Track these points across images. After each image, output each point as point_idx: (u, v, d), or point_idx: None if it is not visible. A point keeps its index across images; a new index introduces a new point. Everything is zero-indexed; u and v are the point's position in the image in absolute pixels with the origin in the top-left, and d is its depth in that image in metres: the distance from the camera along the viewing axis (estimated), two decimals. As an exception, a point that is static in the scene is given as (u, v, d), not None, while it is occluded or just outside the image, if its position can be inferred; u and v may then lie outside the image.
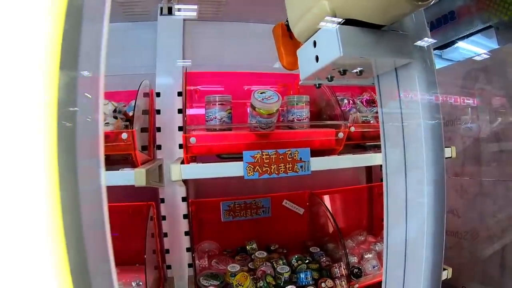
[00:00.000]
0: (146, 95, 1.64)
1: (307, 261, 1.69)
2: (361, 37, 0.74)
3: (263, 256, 1.69)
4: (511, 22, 1.86)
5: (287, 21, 1.05)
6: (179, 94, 1.75)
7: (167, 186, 1.71)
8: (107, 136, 1.31)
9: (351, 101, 1.81)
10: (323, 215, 1.88)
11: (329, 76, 0.87)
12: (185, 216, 1.77)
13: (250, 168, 1.27)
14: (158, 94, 1.74)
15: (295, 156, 1.32)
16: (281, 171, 1.30)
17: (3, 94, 0.34)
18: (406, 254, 0.92)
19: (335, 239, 1.76)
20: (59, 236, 0.37)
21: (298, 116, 1.57)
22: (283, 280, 1.54)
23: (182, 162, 1.32)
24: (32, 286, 0.35)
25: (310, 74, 0.85)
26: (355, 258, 1.77)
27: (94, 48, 0.46)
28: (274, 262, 1.64)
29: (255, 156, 1.28)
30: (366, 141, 1.73)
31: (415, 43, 0.84)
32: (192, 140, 1.31)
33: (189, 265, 1.76)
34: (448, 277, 1.00)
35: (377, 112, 1.72)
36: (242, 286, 1.46)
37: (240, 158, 1.29)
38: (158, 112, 1.73)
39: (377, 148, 1.70)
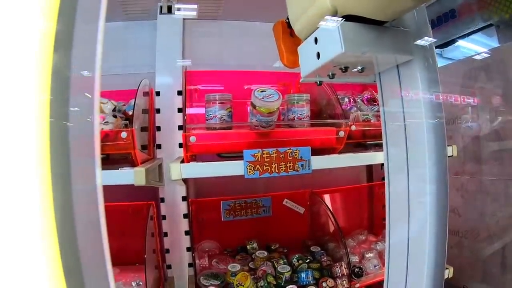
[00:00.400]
0: (145, 94, 1.63)
1: (308, 260, 1.68)
2: (363, 34, 0.73)
3: (263, 255, 1.68)
4: (512, 20, 1.85)
5: (287, 18, 1.04)
6: (179, 93, 1.74)
7: (167, 185, 1.70)
8: (106, 135, 1.30)
9: (351, 100, 1.81)
10: (324, 214, 1.87)
11: (330, 74, 0.86)
12: (185, 216, 1.76)
13: (250, 167, 1.27)
14: (158, 93, 1.74)
15: (295, 155, 1.31)
16: (282, 170, 1.30)
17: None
18: (408, 253, 0.92)
19: (336, 238, 1.75)
20: (52, 237, 0.36)
21: (299, 115, 1.57)
22: (284, 279, 1.53)
23: (182, 161, 1.31)
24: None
25: (311, 71, 0.84)
26: (356, 257, 1.76)
27: (88, 47, 0.45)
28: (274, 262, 1.64)
29: (255, 155, 1.27)
30: (367, 139, 1.72)
31: (415, 42, 0.83)
32: (192, 139, 1.30)
33: (189, 265, 1.75)
34: (449, 277, 0.99)
35: (377, 111, 1.72)
36: (243, 285, 1.46)
37: (240, 157, 1.28)
38: (158, 111, 1.73)
39: (377, 147, 1.70)
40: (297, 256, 1.68)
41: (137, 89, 1.46)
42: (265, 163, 1.28)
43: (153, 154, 1.70)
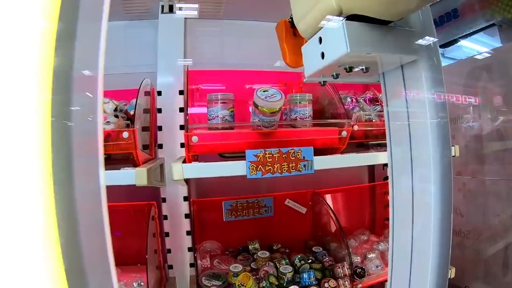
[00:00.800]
0: (147, 93, 1.63)
1: (310, 261, 1.68)
2: (368, 33, 0.72)
3: (265, 256, 1.68)
4: (515, 20, 1.85)
5: (290, 18, 1.04)
6: (181, 92, 1.74)
7: (168, 185, 1.69)
8: (108, 135, 1.30)
9: (354, 100, 1.80)
10: (326, 214, 1.87)
11: (334, 74, 0.85)
12: (186, 216, 1.76)
13: (252, 167, 1.26)
14: (159, 93, 1.73)
15: (298, 155, 1.31)
16: (284, 170, 1.29)
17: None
18: (412, 254, 0.91)
19: (338, 238, 1.75)
20: (53, 237, 0.36)
21: (301, 115, 1.56)
22: (286, 280, 1.53)
23: (184, 161, 1.30)
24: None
25: (315, 71, 0.83)
26: (358, 257, 1.76)
27: (91, 47, 0.45)
28: (276, 262, 1.63)
29: (257, 155, 1.26)
30: (369, 139, 1.72)
31: (416, 40, 0.82)
32: (194, 139, 1.30)
33: (191, 265, 1.75)
34: (451, 277, 0.99)
35: (380, 111, 1.72)
36: (245, 286, 1.45)
37: (242, 157, 1.27)
38: (160, 110, 1.72)
39: (379, 147, 1.69)
40: (299, 256, 1.68)
41: (139, 89, 1.46)
42: (267, 164, 1.27)
43: (155, 154, 1.70)
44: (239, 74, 1.90)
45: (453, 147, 1.28)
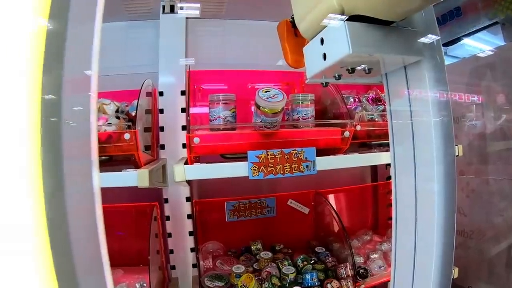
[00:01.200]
0: (148, 94, 1.62)
1: (312, 261, 1.68)
2: (370, 34, 0.72)
3: (268, 256, 1.68)
4: (518, 19, 1.84)
5: (292, 18, 1.03)
6: (182, 93, 1.73)
7: (170, 186, 1.69)
8: (109, 137, 1.30)
9: (356, 99, 1.79)
10: (329, 214, 1.86)
11: (336, 75, 0.85)
12: (189, 216, 1.76)
13: (255, 168, 1.26)
14: (161, 93, 1.73)
15: (300, 155, 1.30)
16: (287, 171, 1.29)
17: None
18: (415, 253, 0.91)
19: (340, 238, 1.74)
20: (43, 239, 0.35)
21: (303, 115, 1.55)
22: (288, 281, 1.52)
23: (186, 163, 1.30)
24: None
25: (317, 72, 0.83)
26: (361, 258, 1.75)
27: (83, 48, 0.44)
28: (279, 263, 1.63)
29: (260, 156, 1.26)
30: (371, 139, 1.71)
31: (420, 40, 0.81)
32: (196, 140, 1.29)
33: (194, 266, 1.75)
34: (455, 277, 0.99)
35: (383, 110, 1.71)
36: (247, 287, 1.45)
37: (244, 158, 1.27)
38: (161, 111, 1.72)
39: (381, 147, 1.68)
40: (301, 257, 1.67)
41: (140, 90, 1.45)
42: (269, 164, 1.27)
43: (157, 155, 1.70)
44: (241, 74, 1.89)
45: (456, 147, 1.28)
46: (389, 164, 1.13)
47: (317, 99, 1.66)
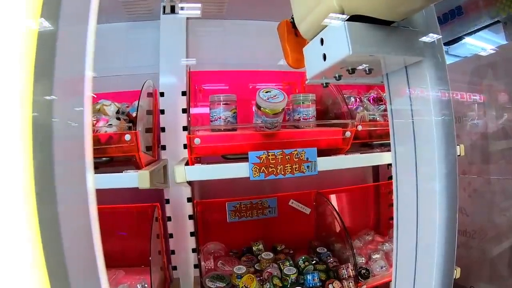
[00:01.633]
0: (149, 95, 1.62)
1: (314, 262, 1.67)
2: (371, 34, 0.71)
3: (269, 257, 1.67)
4: (520, 17, 1.83)
5: (292, 18, 1.03)
6: (183, 93, 1.73)
7: (172, 186, 1.69)
8: (110, 138, 1.30)
9: (358, 99, 1.78)
10: (330, 214, 1.86)
11: (336, 75, 0.84)
12: (190, 217, 1.76)
13: (256, 169, 1.25)
14: (161, 94, 1.73)
15: (301, 156, 1.30)
16: (288, 171, 1.28)
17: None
18: (417, 254, 0.90)
19: (342, 239, 1.74)
20: (35, 241, 0.35)
21: (304, 115, 1.55)
22: (289, 282, 1.52)
23: (187, 163, 1.30)
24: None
25: (317, 73, 0.83)
26: (363, 258, 1.75)
27: (76, 48, 0.44)
28: (280, 263, 1.62)
29: (260, 156, 1.26)
30: (373, 139, 1.70)
31: (421, 39, 0.81)
32: (197, 141, 1.29)
33: (195, 266, 1.75)
34: (456, 277, 0.98)
35: (384, 110, 1.70)
36: (249, 288, 1.45)
37: (245, 159, 1.27)
38: (162, 112, 1.72)
39: (383, 147, 1.68)
40: (303, 257, 1.67)
41: (141, 90, 1.45)
42: (270, 165, 1.26)
43: (158, 156, 1.70)
44: (242, 74, 1.89)
45: (458, 146, 1.27)
46: (390, 164, 1.12)
47: (318, 99, 1.66)
